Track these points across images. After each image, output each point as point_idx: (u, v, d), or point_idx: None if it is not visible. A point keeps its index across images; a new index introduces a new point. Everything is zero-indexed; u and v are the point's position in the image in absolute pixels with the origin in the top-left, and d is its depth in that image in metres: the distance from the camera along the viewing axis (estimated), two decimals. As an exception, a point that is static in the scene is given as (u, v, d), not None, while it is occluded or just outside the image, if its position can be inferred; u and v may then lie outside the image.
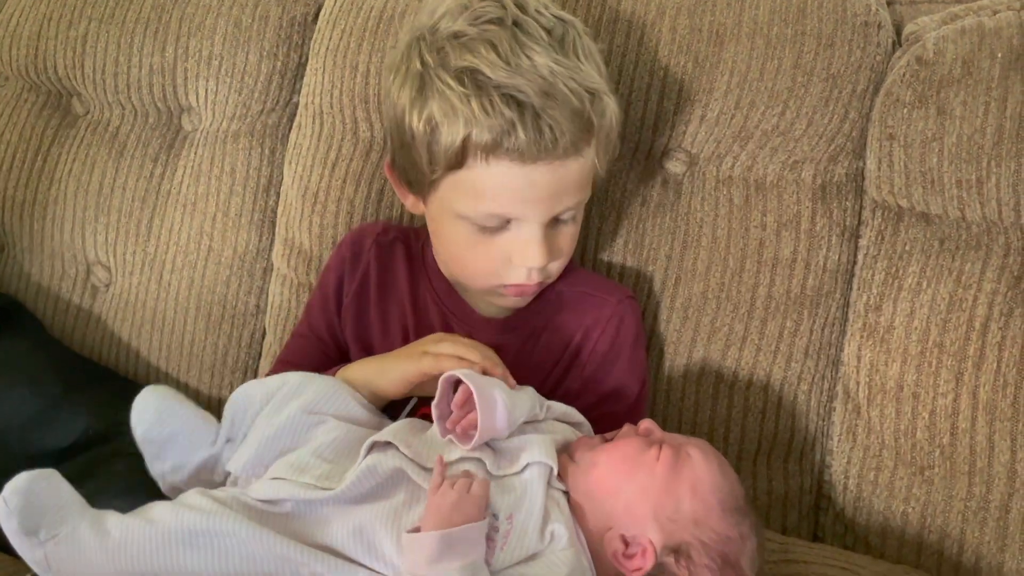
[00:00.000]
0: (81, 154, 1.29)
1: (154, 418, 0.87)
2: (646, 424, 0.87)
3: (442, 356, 0.88)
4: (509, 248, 0.91)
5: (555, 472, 0.82)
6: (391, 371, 0.92)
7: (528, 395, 0.88)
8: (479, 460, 0.82)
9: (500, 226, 0.90)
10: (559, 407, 0.91)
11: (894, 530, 1.02)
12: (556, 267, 0.96)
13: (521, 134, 0.85)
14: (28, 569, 0.89)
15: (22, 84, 1.35)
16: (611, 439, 0.87)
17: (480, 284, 0.96)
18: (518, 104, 0.85)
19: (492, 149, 0.86)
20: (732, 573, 0.80)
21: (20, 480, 0.81)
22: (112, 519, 0.80)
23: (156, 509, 0.82)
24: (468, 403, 0.83)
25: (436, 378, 0.86)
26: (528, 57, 0.86)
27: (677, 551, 0.80)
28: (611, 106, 0.90)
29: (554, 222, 0.92)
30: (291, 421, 0.86)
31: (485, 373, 0.86)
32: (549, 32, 0.89)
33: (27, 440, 0.86)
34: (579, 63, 0.88)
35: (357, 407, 0.89)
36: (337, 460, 0.84)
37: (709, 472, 0.83)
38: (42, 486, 0.81)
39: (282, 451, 0.85)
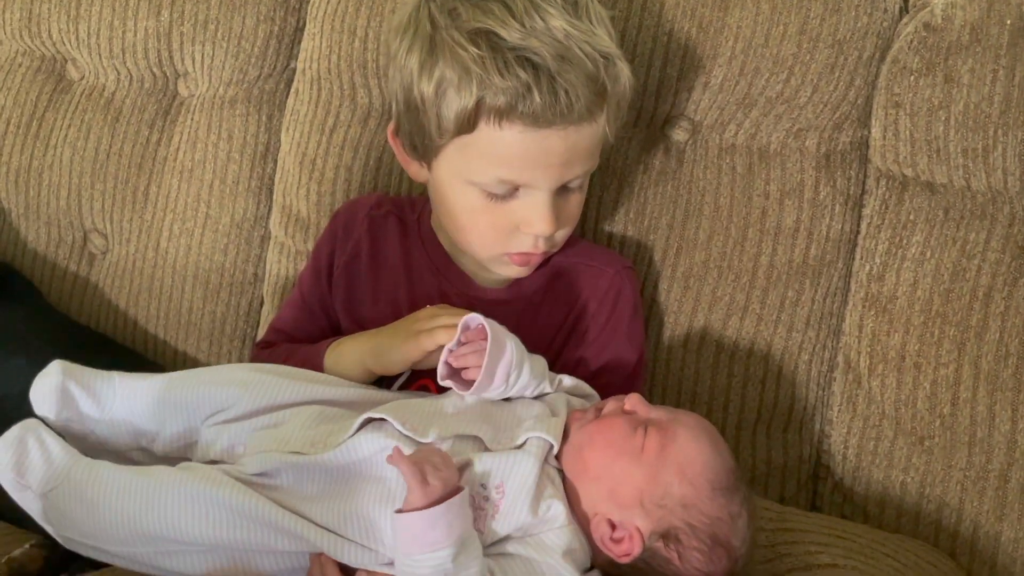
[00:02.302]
0: (76, 120, 1.28)
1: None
2: (632, 401, 0.85)
3: (436, 330, 0.88)
4: (517, 216, 0.90)
5: (555, 450, 0.82)
6: (390, 354, 0.91)
7: (539, 361, 0.88)
8: (476, 438, 0.82)
9: (508, 193, 0.89)
10: (569, 380, 0.91)
11: (892, 500, 1.03)
12: (562, 235, 0.95)
13: (536, 98, 0.83)
14: (29, 539, 0.90)
15: (16, 48, 1.33)
16: (602, 408, 0.86)
17: (485, 253, 0.95)
18: (534, 67, 0.83)
19: (506, 113, 0.84)
20: (722, 551, 0.80)
21: (11, 434, 0.82)
22: (106, 467, 0.81)
23: (154, 468, 0.82)
24: (474, 347, 0.84)
25: (435, 353, 0.87)
26: (543, 19, 0.84)
27: (666, 536, 0.79)
28: (625, 72, 0.89)
29: (562, 190, 0.91)
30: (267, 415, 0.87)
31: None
32: None
33: (24, 408, 0.86)
34: (592, 27, 0.87)
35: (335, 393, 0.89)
36: (320, 427, 0.84)
37: (698, 452, 0.81)
38: (33, 438, 0.81)
39: (257, 429, 0.86)
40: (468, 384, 0.84)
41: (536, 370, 0.87)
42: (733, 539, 0.80)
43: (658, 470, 0.80)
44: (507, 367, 0.84)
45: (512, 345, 0.84)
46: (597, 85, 0.86)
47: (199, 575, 0.81)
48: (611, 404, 0.86)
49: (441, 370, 0.85)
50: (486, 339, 0.83)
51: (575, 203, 0.94)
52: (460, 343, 0.85)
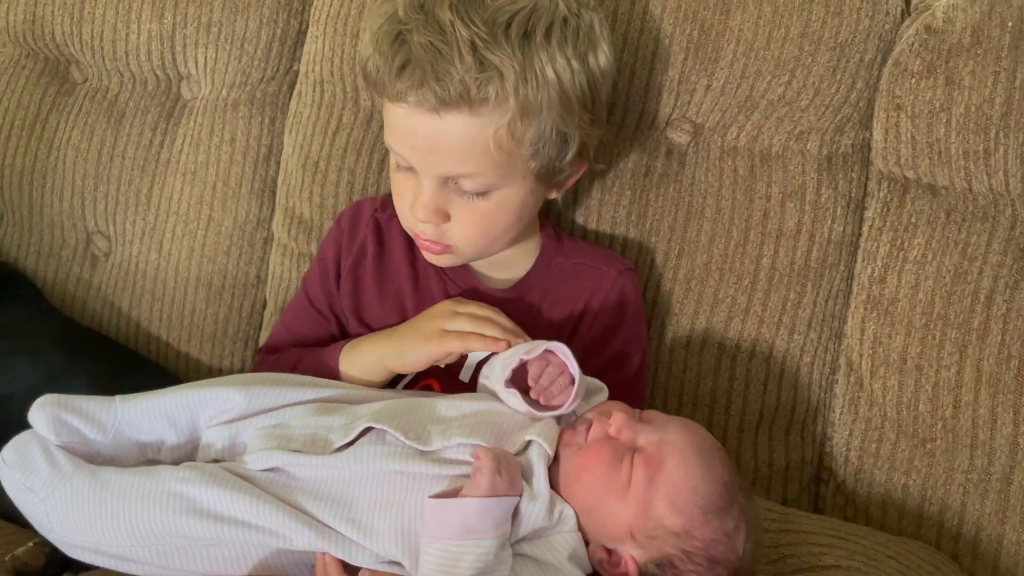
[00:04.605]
0: (80, 122, 1.28)
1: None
2: (617, 424, 0.82)
3: (468, 336, 0.89)
4: (412, 193, 0.92)
5: (550, 457, 0.82)
6: (411, 352, 0.92)
7: None
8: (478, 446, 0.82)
9: (409, 167, 0.92)
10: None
11: (895, 502, 1.03)
12: (461, 238, 0.94)
13: (395, 76, 0.86)
14: (30, 538, 0.90)
15: (19, 51, 1.33)
16: (590, 426, 0.83)
17: (402, 223, 0.98)
18: (407, 48, 0.85)
19: (381, 87, 0.88)
20: (721, 569, 0.79)
21: (19, 439, 0.83)
22: (108, 471, 0.81)
23: (154, 468, 0.83)
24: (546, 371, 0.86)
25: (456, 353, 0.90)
26: (447, 11, 0.85)
27: (660, 564, 0.79)
28: (514, 96, 0.85)
29: (457, 188, 0.91)
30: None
31: (510, 346, 0.88)
32: (525, 20, 0.86)
33: (27, 409, 0.86)
34: (517, 45, 0.85)
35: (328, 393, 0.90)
36: (319, 419, 0.85)
37: (687, 479, 0.79)
38: (39, 444, 0.82)
39: (258, 427, 0.86)
40: (531, 400, 0.86)
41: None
42: (731, 555, 0.80)
43: (647, 505, 0.79)
44: (581, 394, 0.85)
45: (584, 381, 0.86)
46: (458, 85, 0.84)
47: (202, 573, 0.81)
48: (596, 427, 0.83)
49: (507, 373, 0.86)
50: (554, 363, 0.85)
51: (474, 210, 0.92)
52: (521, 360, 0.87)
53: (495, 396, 0.88)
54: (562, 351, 0.85)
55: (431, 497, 0.76)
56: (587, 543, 0.81)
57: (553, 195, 0.99)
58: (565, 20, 0.89)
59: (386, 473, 0.81)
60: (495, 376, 0.87)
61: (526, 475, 0.80)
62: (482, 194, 0.91)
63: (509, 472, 0.77)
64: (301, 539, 0.79)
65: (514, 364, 0.86)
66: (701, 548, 0.79)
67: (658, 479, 0.79)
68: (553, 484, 0.81)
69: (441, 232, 0.93)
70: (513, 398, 0.85)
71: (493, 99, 0.85)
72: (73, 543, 0.83)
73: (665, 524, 0.78)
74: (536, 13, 0.87)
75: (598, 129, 0.96)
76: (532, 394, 0.85)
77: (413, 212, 0.92)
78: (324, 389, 0.90)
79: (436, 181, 0.90)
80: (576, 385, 0.84)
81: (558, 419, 0.86)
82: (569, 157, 0.93)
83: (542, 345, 0.86)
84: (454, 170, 0.89)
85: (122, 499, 0.80)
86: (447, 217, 0.92)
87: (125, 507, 0.80)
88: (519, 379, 0.87)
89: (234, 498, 0.79)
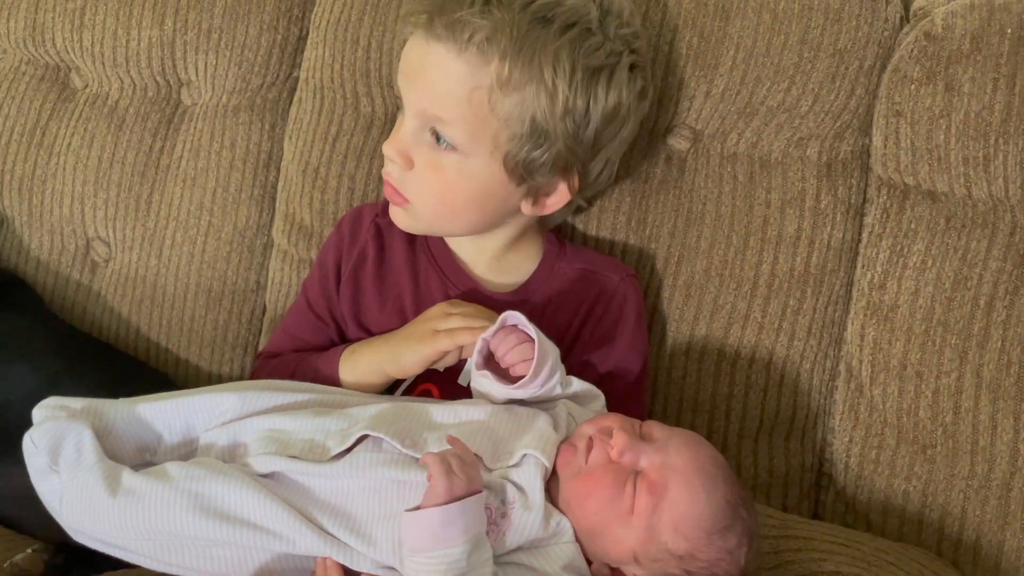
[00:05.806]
0: (80, 128, 1.28)
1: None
2: (619, 446, 0.80)
3: (456, 331, 0.89)
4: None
5: (549, 470, 0.82)
6: (406, 355, 0.92)
7: (555, 352, 0.89)
8: (475, 456, 0.82)
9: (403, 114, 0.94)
10: (579, 384, 0.91)
11: (895, 508, 1.03)
12: (416, 193, 0.95)
13: (414, 2, 0.90)
14: (29, 544, 0.90)
15: (20, 57, 1.33)
16: (591, 446, 0.82)
17: (384, 172, 0.99)
18: None
19: (405, 19, 0.93)
20: None
21: (49, 423, 0.84)
22: (126, 474, 0.82)
23: (170, 467, 0.83)
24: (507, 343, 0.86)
25: (452, 352, 0.90)
26: None
27: None
28: (499, 59, 0.87)
29: (430, 142, 0.92)
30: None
31: None
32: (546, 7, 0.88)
33: (27, 416, 0.86)
34: (528, 20, 0.86)
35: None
36: (316, 422, 0.85)
37: (691, 505, 0.79)
38: (72, 428, 0.83)
39: (256, 429, 0.86)
40: (503, 376, 0.86)
41: (563, 372, 0.88)
42: (733, 569, 0.80)
43: (650, 531, 0.78)
44: (551, 369, 0.85)
45: (552, 347, 0.86)
46: (453, 19, 0.87)
47: (203, 571, 0.82)
48: (597, 449, 0.81)
49: (477, 359, 0.86)
50: (515, 334, 0.85)
51: (440, 170, 0.92)
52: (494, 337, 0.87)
53: (489, 398, 0.88)
54: (517, 318, 0.85)
55: (406, 511, 0.76)
56: (590, 562, 0.81)
57: (528, 209, 0.97)
58: (590, 31, 0.89)
59: (383, 482, 0.80)
60: (471, 364, 0.87)
61: (521, 486, 0.80)
62: (448, 150, 0.92)
63: (465, 470, 0.76)
64: (304, 542, 0.79)
65: (482, 347, 0.86)
66: (704, 567, 0.79)
67: (662, 506, 0.79)
68: (552, 499, 0.81)
69: (403, 180, 0.95)
70: (486, 380, 0.86)
71: (476, 49, 0.87)
72: (80, 530, 0.84)
73: (669, 548, 0.78)
74: (563, 6, 0.88)
75: (583, 155, 0.94)
76: (495, 357, 0.86)
77: (384, 148, 0.94)
78: (319, 394, 0.90)
79: (416, 120, 0.92)
80: (536, 347, 0.83)
81: (555, 423, 0.86)
82: (542, 159, 0.91)
83: (501, 320, 0.86)
84: (431, 108, 0.91)
85: (137, 501, 0.80)
86: (411, 164, 0.93)
87: (138, 508, 0.80)
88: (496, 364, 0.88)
89: (243, 493, 0.79)
